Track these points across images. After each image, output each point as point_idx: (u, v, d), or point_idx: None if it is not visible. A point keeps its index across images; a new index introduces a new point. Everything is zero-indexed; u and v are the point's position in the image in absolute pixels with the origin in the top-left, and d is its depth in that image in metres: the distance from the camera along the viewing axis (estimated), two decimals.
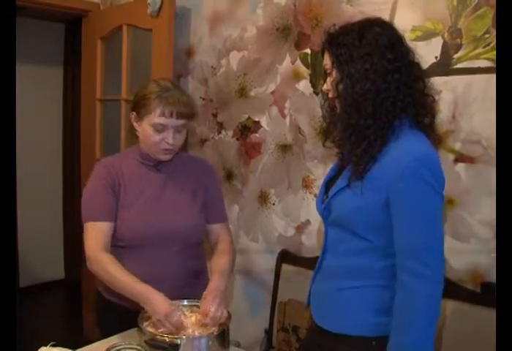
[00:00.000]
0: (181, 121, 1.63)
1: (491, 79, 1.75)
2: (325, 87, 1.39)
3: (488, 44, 1.79)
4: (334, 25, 1.36)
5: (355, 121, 1.29)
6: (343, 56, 1.29)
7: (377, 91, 1.27)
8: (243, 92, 2.60)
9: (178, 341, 1.41)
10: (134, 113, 1.67)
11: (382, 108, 1.27)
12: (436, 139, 1.40)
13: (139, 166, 1.72)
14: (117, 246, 1.66)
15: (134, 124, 1.68)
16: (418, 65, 1.33)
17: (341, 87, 1.31)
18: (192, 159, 1.90)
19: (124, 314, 1.61)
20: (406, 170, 1.22)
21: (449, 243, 1.90)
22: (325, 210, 1.41)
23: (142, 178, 1.71)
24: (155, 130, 1.62)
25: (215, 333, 1.47)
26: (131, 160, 1.73)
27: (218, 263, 1.70)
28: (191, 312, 1.58)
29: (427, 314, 1.23)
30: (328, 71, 1.35)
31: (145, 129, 1.64)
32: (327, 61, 1.35)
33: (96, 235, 1.61)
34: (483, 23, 1.80)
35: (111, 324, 1.71)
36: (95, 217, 1.63)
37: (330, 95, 1.37)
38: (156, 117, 1.60)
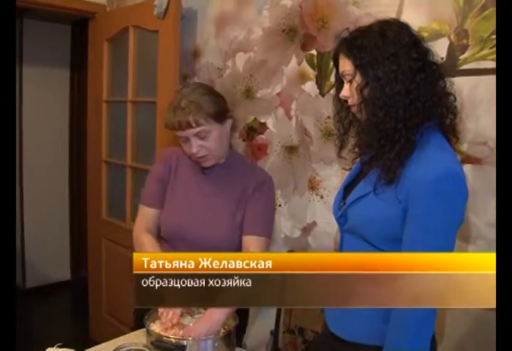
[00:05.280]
0: (196, 129, 1.59)
1: None
2: (343, 93, 1.30)
3: (495, 46, 1.79)
4: (347, 28, 1.29)
5: (386, 125, 1.22)
6: (366, 59, 1.22)
7: (406, 92, 1.20)
8: (249, 93, 2.61)
9: (184, 343, 1.41)
10: None
11: (412, 110, 1.21)
12: (457, 141, 1.33)
13: (192, 165, 1.76)
14: (160, 237, 1.77)
15: None
16: (437, 64, 1.28)
17: (366, 91, 1.23)
18: (245, 165, 1.83)
19: None
20: (428, 186, 1.16)
21: (456, 245, 1.89)
22: (341, 217, 1.37)
23: (191, 179, 1.76)
24: (181, 141, 1.66)
25: (221, 335, 1.48)
26: (188, 158, 1.74)
27: None
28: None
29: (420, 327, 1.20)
30: (349, 77, 1.27)
31: None
32: (346, 66, 1.27)
33: (141, 218, 1.79)
34: (490, 23, 1.80)
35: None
36: (143, 202, 1.80)
37: (351, 102, 1.29)
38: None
